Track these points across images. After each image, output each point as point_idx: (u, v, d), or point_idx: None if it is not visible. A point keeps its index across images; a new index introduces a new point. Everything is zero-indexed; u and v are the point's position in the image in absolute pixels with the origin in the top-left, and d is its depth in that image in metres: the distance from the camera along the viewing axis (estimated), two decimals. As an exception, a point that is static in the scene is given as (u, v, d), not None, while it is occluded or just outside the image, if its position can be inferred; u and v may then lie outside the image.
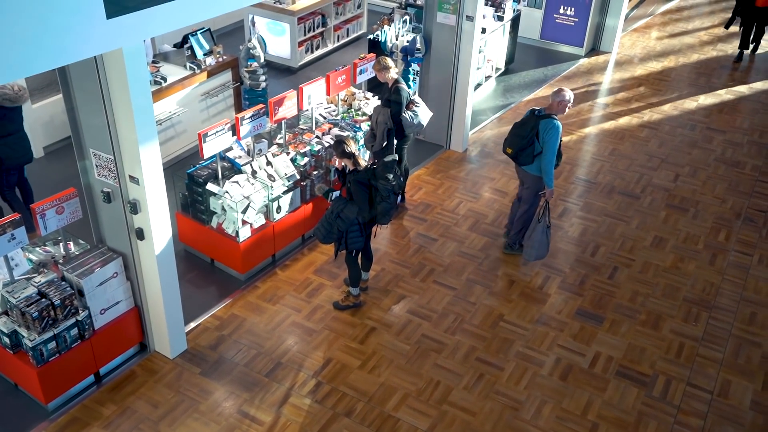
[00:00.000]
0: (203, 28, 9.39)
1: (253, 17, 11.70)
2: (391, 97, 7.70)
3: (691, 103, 11.51)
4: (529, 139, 7.12)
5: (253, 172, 7.27)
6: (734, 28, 13.84)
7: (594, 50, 13.48)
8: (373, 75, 8.25)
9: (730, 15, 13.61)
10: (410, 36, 9.84)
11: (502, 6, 11.32)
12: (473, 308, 7.15)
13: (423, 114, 7.90)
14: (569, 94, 7.12)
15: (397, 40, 10.04)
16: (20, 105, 7.20)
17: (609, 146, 10.23)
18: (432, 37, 9.43)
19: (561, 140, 7.22)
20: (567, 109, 7.17)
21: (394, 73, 7.76)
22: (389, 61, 7.74)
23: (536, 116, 7.16)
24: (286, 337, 6.72)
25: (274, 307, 7.08)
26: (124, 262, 5.98)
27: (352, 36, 13.10)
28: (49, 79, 8.82)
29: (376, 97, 8.79)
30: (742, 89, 12.05)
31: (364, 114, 8.58)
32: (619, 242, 8.20)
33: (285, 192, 7.44)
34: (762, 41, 13.40)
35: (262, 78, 9.61)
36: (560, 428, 5.92)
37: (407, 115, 7.74)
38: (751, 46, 13.20)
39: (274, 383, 6.23)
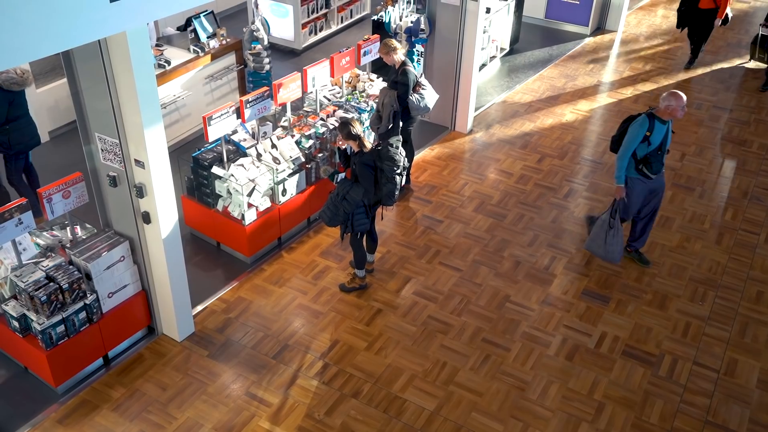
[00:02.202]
0: (206, 11, 9.34)
1: (256, -1, 11.63)
2: (398, 79, 7.66)
3: (697, 82, 11.43)
4: (620, 130, 6.91)
5: (258, 155, 7.26)
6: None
7: (599, 29, 13.38)
8: (378, 56, 8.21)
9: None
10: (414, 16, 9.77)
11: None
12: (479, 289, 7.16)
13: (430, 96, 7.86)
14: (675, 100, 6.57)
15: (401, 20, 9.97)
16: (25, 88, 7.21)
17: (615, 126, 10.15)
18: (436, 18, 9.36)
19: (660, 145, 6.72)
20: (678, 115, 6.62)
21: (401, 54, 7.72)
22: (395, 43, 7.70)
23: (644, 112, 6.80)
24: (292, 320, 6.74)
25: (281, 289, 7.10)
26: (130, 246, 6.00)
27: (356, 17, 13.03)
28: (54, 63, 8.81)
29: (381, 78, 8.76)
30: (750, 67, 11.96)
31: (368, 96, 8.54)
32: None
33: (290, 175, 7.43)
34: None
35: (266, 60, 9.57)
36: (567, 408, 5.95)
37: (414, 97, 7.71)
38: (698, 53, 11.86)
39: (281, 365, 6.26)
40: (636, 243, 7.49)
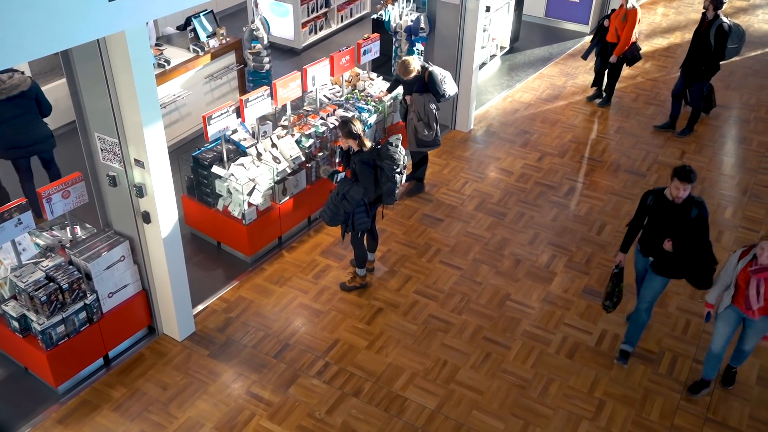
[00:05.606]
0: (206, 10, 9.33)
1: (255, -2, 11.63)
2: (428, 81, 7.68)
3: (697, 80, 11.40)
4: None
5: (258, 155, 7.26)
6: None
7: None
8: (378, 55, 8.20)
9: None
10: (414, 15, 9.78)
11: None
12: (480, 288, 7.16)
13: (451, 87, 7.91)
14: None
15: (401, 19, 9.98)
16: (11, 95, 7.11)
17: (615, 124, 10.17)
18: (436, 16, 9.36)
19: None
20: None
21: (418, 63, 7.69)
22: (410, 59, 7.63)
23: None
24: (293, 319, 6.74)
25: (281, 289, 7.10)
26: (131, 246, 6.00)
27: (356, 16, 13.02)
28: (53, 63, 8.81)
29: (381, 77, 8.74)
30: (748, 65, 11.95)
31: (368, 96, 8.54)
32: (625, 220, 8.15)
33: (290, 174, 7.43)
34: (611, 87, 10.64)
35: (266, 60, 9.56)
36: (567, 406, 5.95)
37: (447, 94, 7.79)
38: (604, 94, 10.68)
39: (282, 364, 6.26)
40: None
